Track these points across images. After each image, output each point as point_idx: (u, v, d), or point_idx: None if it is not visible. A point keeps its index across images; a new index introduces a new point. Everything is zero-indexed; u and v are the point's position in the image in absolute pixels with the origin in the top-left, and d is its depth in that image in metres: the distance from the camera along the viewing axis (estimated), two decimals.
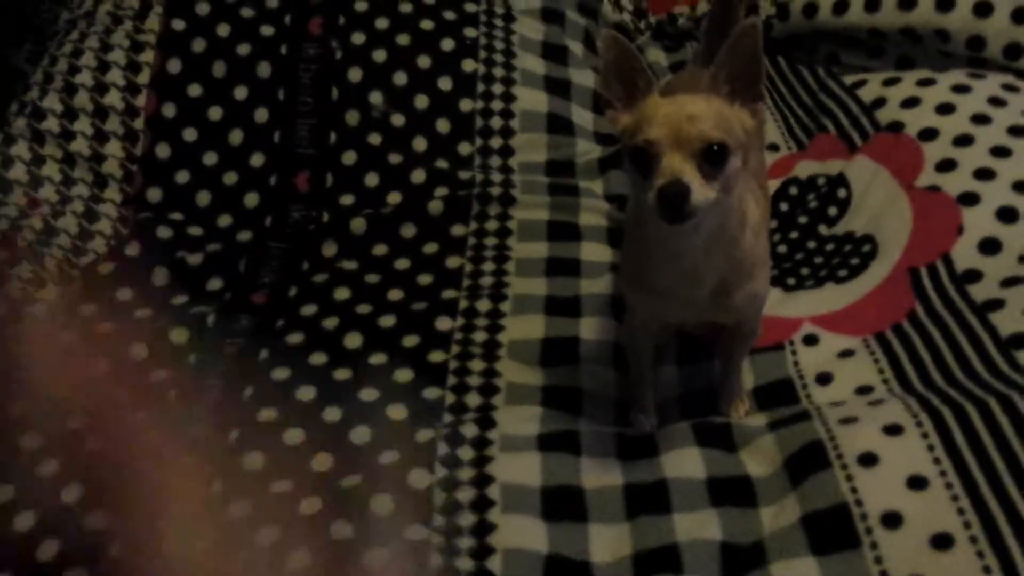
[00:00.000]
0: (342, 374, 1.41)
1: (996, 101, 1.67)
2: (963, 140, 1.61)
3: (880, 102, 1.77)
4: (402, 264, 1.63)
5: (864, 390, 1.36)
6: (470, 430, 1.30)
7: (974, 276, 1.46)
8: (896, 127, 1.69)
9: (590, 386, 1.42)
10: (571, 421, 1.35)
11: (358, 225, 1.68)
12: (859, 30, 1.88)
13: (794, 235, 1.66)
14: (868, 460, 1.17)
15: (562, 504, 1.21)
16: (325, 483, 1.22)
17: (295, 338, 1.48)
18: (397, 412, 1.34)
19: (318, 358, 1.44)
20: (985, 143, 1.60)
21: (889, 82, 1.80)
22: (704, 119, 1.02)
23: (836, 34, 1.93)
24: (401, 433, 1.30)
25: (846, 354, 1.43)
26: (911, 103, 1.72)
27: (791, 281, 1.58)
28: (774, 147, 1.86)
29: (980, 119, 1.64)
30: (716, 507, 1.19)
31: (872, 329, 1.45)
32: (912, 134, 1.66)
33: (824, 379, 1.39)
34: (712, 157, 1.01)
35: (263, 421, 1.32)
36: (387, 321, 1.51)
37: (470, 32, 1.93)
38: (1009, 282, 1.42)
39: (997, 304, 1.39)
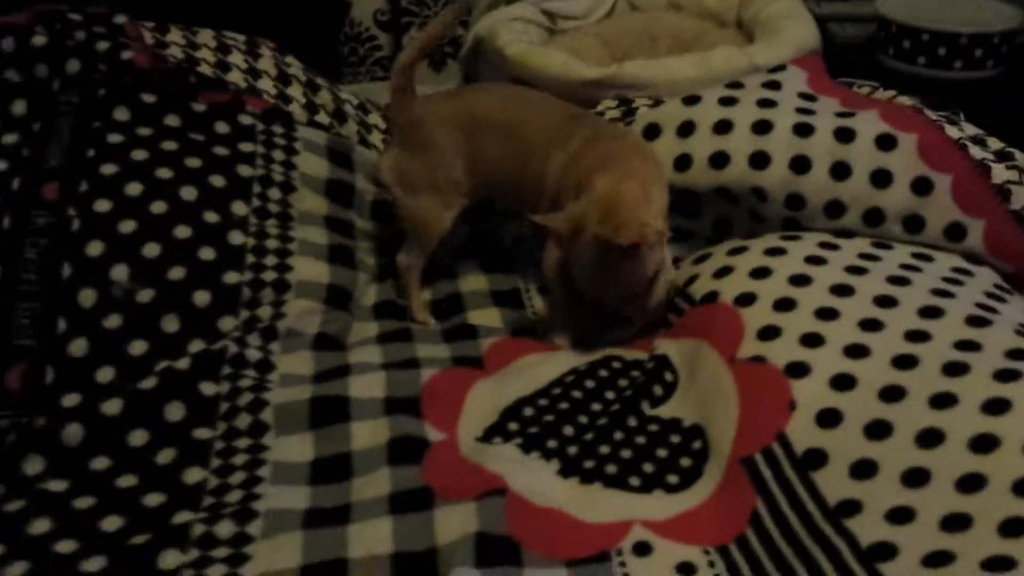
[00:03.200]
0: None
1: (815, 260, 1.53)
2: (784, 304, 1.45)
3: (692, 279, 1.61)
4: (126, 481, 1.31)
5: None
6: None
7: (818, 458, 1.25)
8: (711, 297, 1.53)
9: None
10: None
11: (73, 434, 1.34)
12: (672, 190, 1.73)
13: (616, 408, 1.45)
14: None
15: None
16: None
17: None
18: None
19: None
20: (808, 305, 1.44)
21: (700, 259, 1.66)
22: None
23: None
24: None
25: (686, 569, 1.20)
26: (723, 272, 1.57)
27: (611, 469, 1.35)
28: None
29: (800, 280, 1.49)
30: None
31: (713, 539, 1.23)
32: (728, 301, 1.50)
33: None
34: None
35: None
36: (93, 565, 1.18)
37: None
38: (861, 470, 1.23)
39: (854, 507, 1.19)
